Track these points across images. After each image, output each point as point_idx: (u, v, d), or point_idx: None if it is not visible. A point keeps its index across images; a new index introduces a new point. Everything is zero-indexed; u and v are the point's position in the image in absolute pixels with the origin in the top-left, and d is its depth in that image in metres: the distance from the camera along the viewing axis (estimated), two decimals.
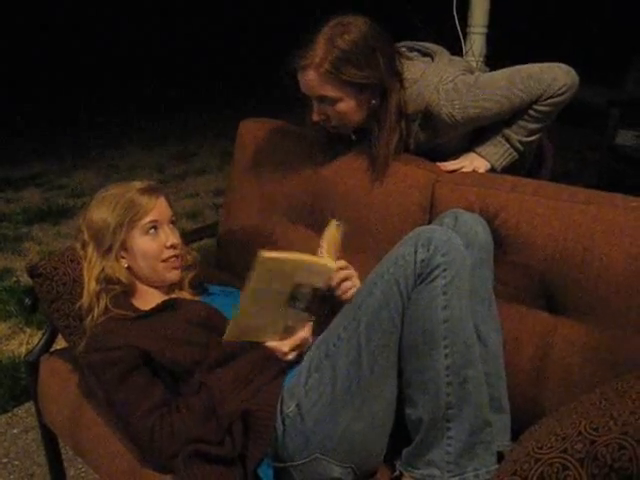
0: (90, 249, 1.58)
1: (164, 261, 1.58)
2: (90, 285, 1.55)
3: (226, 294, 1.74)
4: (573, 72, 1.66)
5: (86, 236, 1.59)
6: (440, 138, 1.78)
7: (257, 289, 1.32)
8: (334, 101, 1.64)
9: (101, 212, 1.56)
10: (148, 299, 1.59)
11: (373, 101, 1.68)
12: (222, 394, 1.39)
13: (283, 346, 1.43)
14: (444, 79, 1.68)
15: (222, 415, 1.37)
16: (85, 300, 1.55)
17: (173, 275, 1.62)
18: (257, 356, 1.44)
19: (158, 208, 1.58)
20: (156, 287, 1.63)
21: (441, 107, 1.67)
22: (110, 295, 1.54)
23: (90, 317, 1.54)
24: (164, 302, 1.56)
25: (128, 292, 1.59)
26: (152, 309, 1.53)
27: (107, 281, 1.56)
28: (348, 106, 1.66)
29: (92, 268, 1.56)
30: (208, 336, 1.50)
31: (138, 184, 1.61)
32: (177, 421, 1.35)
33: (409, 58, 1.75)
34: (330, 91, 1.62)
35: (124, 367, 1.40)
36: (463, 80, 1.68)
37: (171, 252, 1.58)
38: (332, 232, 1.49)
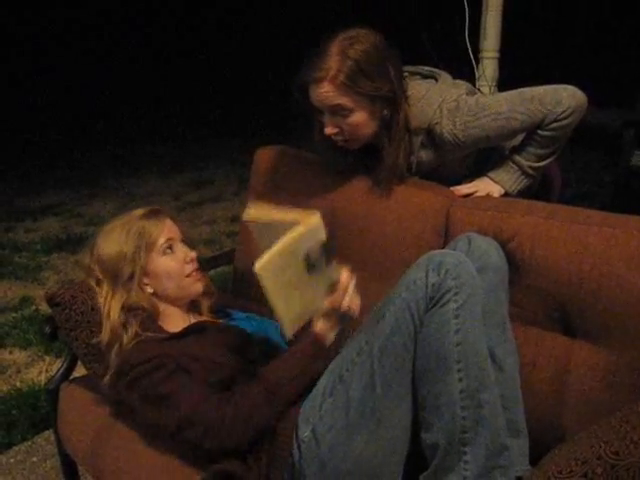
0: (106, 284, 1.57)
1: (188, 276, 1.60)
2: (112, 319, 1.53)
3: (251, 320, 1.75)
4: (580, 94, 1.64)
5: (99, 272, 1.59)
6: (441, 158, 1.79)
7: (276, 288, 1.28)
8: (348, 112, 1.64)
9: (112, 245, 1.57)
10: (173, 321, 1.60)
11: (385, 112, 1.69)
12: None
13: (335, 301, 1.39)
14: (447, 99, 1.70)
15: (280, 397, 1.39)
16: (104, 336, 1.52)
17: (198, 287, 1.63)
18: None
19: (168, 228, 1.61)
20: (179, 306, 1.64)
21: (443, 125, 1.69)
22: (138, 320, 1.53)
23: (117, 346, 1.50)
24: (195, 324, 1.58)
25: (152, 316, 1.59)
26: (183, 331, 1.53)
27: (130, 309, 1.55)
28: (361, 117, 1.66)
29: (112, 301, 1.55)
30: (239, 360, 1.50)
31: (140, 211, 1.62)
32: (245, 404, 1.35)
33: (413, 79, 1.77)
34: (346, 102, 1.62)
35: (168, 368, 1.39)
36: (466, 100, 1.70)
37: (192, 266, 1.61)
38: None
